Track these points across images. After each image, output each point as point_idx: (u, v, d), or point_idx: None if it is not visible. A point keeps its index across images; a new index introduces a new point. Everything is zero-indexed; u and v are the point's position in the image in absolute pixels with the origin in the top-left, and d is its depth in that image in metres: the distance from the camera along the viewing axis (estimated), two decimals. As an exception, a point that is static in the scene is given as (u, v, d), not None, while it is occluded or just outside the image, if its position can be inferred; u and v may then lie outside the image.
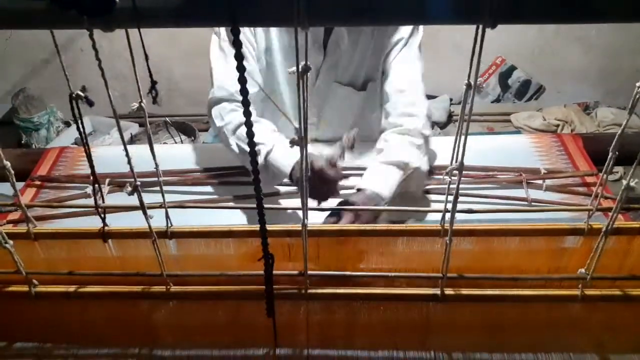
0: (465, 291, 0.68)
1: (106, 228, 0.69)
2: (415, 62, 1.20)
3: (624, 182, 0.61)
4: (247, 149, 0.47)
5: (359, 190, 1.02)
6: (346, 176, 1.07)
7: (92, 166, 0.61)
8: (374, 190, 1.00)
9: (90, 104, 0.53)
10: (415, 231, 0.70)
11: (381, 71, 1.25)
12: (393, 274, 0.69)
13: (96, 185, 0.65)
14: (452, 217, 0.61)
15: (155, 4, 0.39)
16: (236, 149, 1.11)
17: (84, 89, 0.53)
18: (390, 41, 1.20)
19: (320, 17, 0.41)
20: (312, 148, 0.95)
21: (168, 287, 0.68)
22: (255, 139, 0.47)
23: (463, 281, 0.68)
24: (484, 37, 0.45)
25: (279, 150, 1.05)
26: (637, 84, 0.57)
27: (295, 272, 0.65)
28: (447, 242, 0.62)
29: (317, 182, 0.97)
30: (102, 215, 0.68)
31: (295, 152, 0.51)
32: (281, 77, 1.25)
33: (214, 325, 0.76)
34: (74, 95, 0.49)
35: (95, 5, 0.33)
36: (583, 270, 0.67)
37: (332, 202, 1.01)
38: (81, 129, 0.55)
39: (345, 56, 1.24)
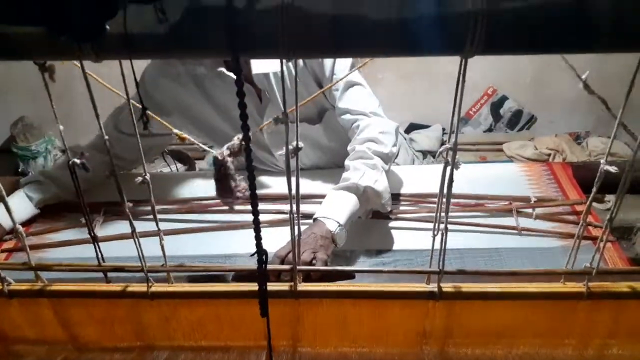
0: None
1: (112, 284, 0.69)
2: (353, 85, 1.22)
3: (605, 205, 0.61)
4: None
5: (314, 220, 1.03)
6: None
7: (90, 227, 0.62)
8: (328, 217, 1.01)
9: (87, 169, 0.56)
10: (406, 293, 0.69)
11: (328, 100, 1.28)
12: (387, 269, 0.70)
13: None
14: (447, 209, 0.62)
15: (145, 34, 0.40)
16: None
17: (81, 155, 0.55)
18: (323, 71, 1.22)
19: (304, 49, 0.43)
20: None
21: (150, 284, 0.68)
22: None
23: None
24: (466, 67, 0.47)
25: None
26: (617, 119, 0.59)
27: (286, 266, 0.65)
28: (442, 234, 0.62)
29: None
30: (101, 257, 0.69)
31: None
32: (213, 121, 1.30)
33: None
34: (70, 163, 0.51)
35: (86, 31, 0.35)
36: (588, 264, 0.66)
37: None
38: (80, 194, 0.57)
39: (288, 96, 1.25)
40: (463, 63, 0.47)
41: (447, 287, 0.67)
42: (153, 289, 0.69)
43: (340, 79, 1.20)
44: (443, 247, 0.62)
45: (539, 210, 1.16)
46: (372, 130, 1.17)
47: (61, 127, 0.52)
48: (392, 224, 1.17)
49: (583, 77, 0.50)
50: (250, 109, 1.26)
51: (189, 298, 0.71)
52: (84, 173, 0.57)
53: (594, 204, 1.30)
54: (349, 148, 1.19)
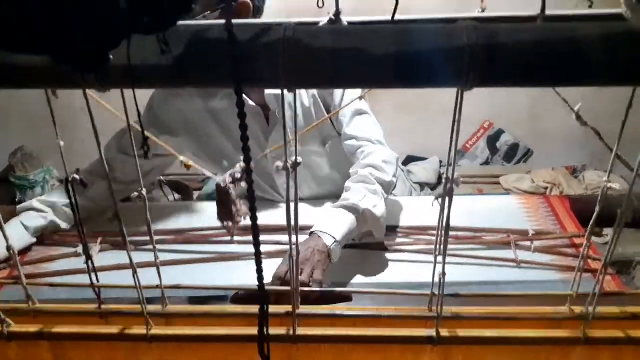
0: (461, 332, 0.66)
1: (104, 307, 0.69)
2: (362, 114, 1.28)
3: (604, 239, 0.61)
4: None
5: (311, 233, 1.06)
6: None
7: (86, 248, 0.62)
8: (325, 232, 1.04)
9: (84, 185, 0.56)
10: (404, 316, 0.69)
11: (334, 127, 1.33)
12: (386, 313, 0.69)
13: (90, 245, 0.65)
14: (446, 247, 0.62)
15: (149, 64, 0.41)
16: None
17: (77, 171, 0.56)
18: (333, 100, 1.28)
19: (305, 79, 0.44)
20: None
21: (149, 327, 0.67)
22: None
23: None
24: (463, 99, 0.48)
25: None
26: (613, 153, 0.60)
27: (283, 311, 0.64)
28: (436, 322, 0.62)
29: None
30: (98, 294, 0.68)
31: None
32: (222, 146, 1.33)
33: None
34: (69, 178, 0.51)
35: (89, 60, 0.35)
36: (584, 309, 0.66)
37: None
38: (76, 210, 0.57)
39: (291, 122, 1.29)
40: (460, 94, 0.47)
41: (445, 332, 0.67)
42: (153, 331, 0.68)
43: (347, 104, 1.25)
44: (441, 292, 0.62)
45: (537, 243, 1.16)
46: (375, 157, 1.21)
47: (61, 143, 0.52)
48: (389, 255, 1.16)
49: (576, 108, 0.51)
50: (256, 131, 1.30)
51: (188, 341, 0.70)
52: (83, 202, 0.57)
53: (593, 238, 1.30)
54: (351, 171, 1.22)
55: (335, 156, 1.36)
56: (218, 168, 1.37)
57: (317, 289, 0.92)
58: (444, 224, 0.57)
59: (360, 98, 1.23)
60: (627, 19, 0.39)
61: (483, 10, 0.50)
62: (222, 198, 0.95)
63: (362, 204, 1.09)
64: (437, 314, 0.64)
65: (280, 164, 0.52)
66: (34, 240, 1.20)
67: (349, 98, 1.26)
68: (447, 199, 0.56)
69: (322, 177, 1.41)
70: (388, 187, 1.18)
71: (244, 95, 0.41)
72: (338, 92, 1.27)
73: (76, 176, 0.52)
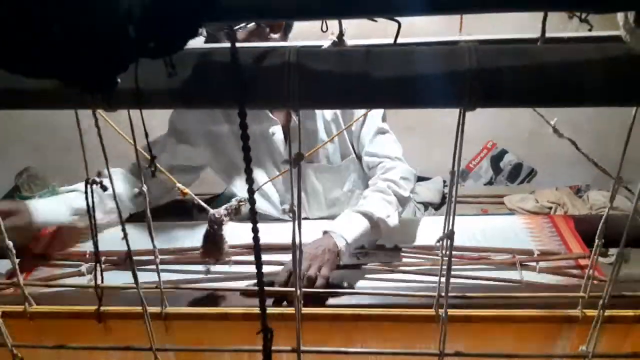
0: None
1: (101, 309, 0.68)
2: (382, 132, 1.34)
3: (610, 259, 0.61)
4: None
5: (324, 232, 1.08)
6: None
7: (95, 242, 0.62)
8: (337, 232, 1.07)
9: (104, 189, 0.56)
10: (410, 316, 0.70)
11: (352, 147, 1.37)
12: (389, 350, 0.68)
13: (93, 264, 0.65)
14: (447, 296, 0.61)
15: (156, 86, 0.42)
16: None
17: (99, 174, 0.56)
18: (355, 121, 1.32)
19: (310, 101, 0.44)
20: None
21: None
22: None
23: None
24: (465, 119, 0.48)
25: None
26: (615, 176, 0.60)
27: (288, 347, 0.64)
28: (443, 316, 0.62)
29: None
30: (100, 298, 0.68)
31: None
32: (238, 160, 1.34)
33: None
34: (89, 180, 0.52)
35: (97, 83, 0.36)
36: (584, 347, 0.66)
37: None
38: (91, 212, 0.57)
39: (311, 140, 1.32)
40: (462, 114, 0.48)
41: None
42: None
43: (356, 119, 1.31)
44: (444, 334, 0.62)
45: (542, 264, 1.15)
46: (395, 173, 1.26)
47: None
48: (393, 276, 1.15)
49: (552, 122, 0.52)
50: (272, 147, 1.31)
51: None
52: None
53: (599, 258, 1.29)
54: (370, 182, 1.27)
55: (347, 176, 1.39)
56: (228, 181, 1.40)
57: (321, 290, 0.93)
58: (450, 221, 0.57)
59: (383, 120, 1.33)
60: (625, 41, 0.40)
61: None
62: (211, 231, 0.95)
63: (377, 212, 1.12)
64: (440, 352, 0.63)
65: (287, 205, 0.53)
66: (72, 219, 1.21)
67: (371, 122, 1.32)
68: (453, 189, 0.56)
69: (330, 198, 1.42)
70: (404, 202, 1.22)
71: (266, 111, 0.42)
72: (359, 115, 1.30)
73: (96, 178, 0.53)
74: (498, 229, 1.33)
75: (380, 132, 1.34)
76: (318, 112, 1.31)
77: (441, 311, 0.60)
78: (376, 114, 1.33)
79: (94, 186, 0.60)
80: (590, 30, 0.50)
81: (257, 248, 0.46)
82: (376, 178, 1.26)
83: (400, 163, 1.30)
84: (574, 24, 0.50)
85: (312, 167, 1.37)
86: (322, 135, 1.32)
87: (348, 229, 1.09)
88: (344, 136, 1.35)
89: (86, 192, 0.53)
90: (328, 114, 1.32)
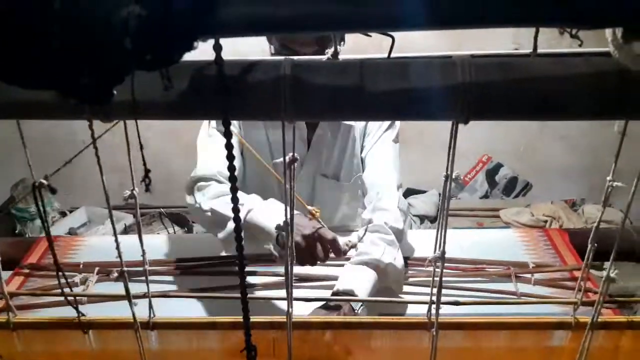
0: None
1: (86, 318, 0.68)
2: (388, 156, 1.31)
3: (605, 273, 0.62)
4: (223, 212, 0.49)
5: (334, 293, 1.04)
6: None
7: (54, 255, 0.62)
8: (349, 289, 1.02)
9: (53, 191, 0.56)
10: (402, 324, 0.70)
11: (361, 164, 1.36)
12: (388, 299, 0.68)
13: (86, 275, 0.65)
14: (438, 307, 0.61)
15: (151, 98, 0.42)
16: (209, 213, 1.12)
17: (46, 177, 0.56)
18: (367, 135, 1.33)
19: (304, 112, 0.45)
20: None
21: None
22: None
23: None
24: (457, 132, 0.49)
25: (261, 210, 1.07)
26: (608, 178, 0.61)
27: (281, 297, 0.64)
28: (434, 333, 0.62)
29: (310, 242, 0.98)
30: (76, 305, 0.67)
31: (280, 212, 0.53)
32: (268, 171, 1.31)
33: None
34: (36, 183, 0.52)
35: (94, 95, 0.36)
36: None
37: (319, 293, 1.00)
38: (42, 216, 0.57)
39: (327, 151, 1.33)
40: (455, 126, 0.49)
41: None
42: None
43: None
44: (434, 347, 0.62)
45: (537, 276, 1.15)
46: (391, 203, 1.21)
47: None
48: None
49: (521, 149, 0.52)
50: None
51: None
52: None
53: (594, 271, 1.29)
54: (364, 216, 1.22)
55: (356, 192, 1.38)
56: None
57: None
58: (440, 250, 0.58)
59: (395, 141, 1.34)
60: (614, 56, 0.41)
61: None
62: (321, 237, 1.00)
63: (384, 258, 1.08)
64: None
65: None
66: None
67: (383, 141, 1.33)
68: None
69: (343, 211, 1.42)
70: (400, 236, 1.17)
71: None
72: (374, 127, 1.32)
73: (43, 181, 0.53)
74: (493, 242, 1.33)
75: (385, 154, 1.32)
76: (353, 128, 1.33)
77: (433, 317, 0.60)
78: (389, 135, 1.33)
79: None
80: (580, 45, 0.51)
81: (241, 257, 0.46)
82: (371, 209, 1.22)
83: (395, 194, 1.25)
84: (567, 40, 0.51)
85: (318, 180, 1.37)
86: (352, 151, 1.33)
87: (359, 284, 1.04)
88: (357, 152, 1.35)
89: (34, 197, 0.53)
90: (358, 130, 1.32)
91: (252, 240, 1.06)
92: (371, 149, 1.32)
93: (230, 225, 1.05)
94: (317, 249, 1.00)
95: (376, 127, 1.33)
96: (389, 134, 1.33)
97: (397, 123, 1.34)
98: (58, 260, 1.24)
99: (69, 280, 1.16)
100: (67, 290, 1.12)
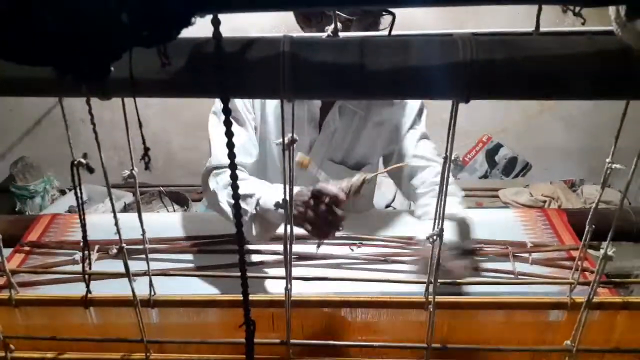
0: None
1: (88, 295, 0.69)
2: (427, 139, 1.39)
3: (602, 251, 0.62)
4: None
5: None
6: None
7: (84, 231, 0.62)
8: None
9: (91, 170, 0.56)
10: (400, 303, 0.70)
11: (380, 156, 1.41)
12: (378, 344, 0.69)
13: (85, 252, 0.65)
14: (435, 286, 0.62)
15: (149, 75, 0.42)
16: (226, 205, 1.13)
17: (85, 156, 0.56)
18: (398, 127, 1.36)
19: (304, 90, 0.45)
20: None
21: (148, 354, 0.67)
22: (247, 190, 0.48)
23: (447, 352, 0.68)
24: (457, 110, 0.49)
25: (270, 195, 1.06)
26: (607, 160, 0.61)
27: (277, 340, 0.65)
28: (431, 309, 0.63)
29: (324, 214, 0.97)
30: (87, 282, 0.68)
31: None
32: (275, 150, 1.30)
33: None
34: (75, 162, 0.51)
35: (90, 71, 0.36)
36: (569, 342, 0.67)
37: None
38: (78, 194, 0.57)
39: (339, 136, 1.33)
40: (455, 105, 0.48)
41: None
42: (153, 357, 0.68)
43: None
44: (431, 325, 0.62)
45: (535, 255, 1.16)
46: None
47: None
48: (386, 266, 1.16)
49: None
50: (303, 136, 1.29)
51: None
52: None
53: (591, 251, 1.30)
54: (419, 190, 1.30)
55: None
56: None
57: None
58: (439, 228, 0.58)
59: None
60: (617, 35, 0.40)
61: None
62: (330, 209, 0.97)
63: (457, 213, 1.14)
64: (427, 344, 0.64)
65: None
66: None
67: (417, 125, 1.39)
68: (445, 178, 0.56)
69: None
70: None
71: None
72: (410, 113, 1.37)
73: (82, 160, 0.52)
74: (492, 222, 1.34)
75: (424, 136, 1.38)
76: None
77: (430, 297, 0.61)
78: (420, 123, 1.39)
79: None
80: (583, 24, 0.51)
81: (240, 235, 0.46)
82: (429, 185, 1.30)
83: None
84: (570, 18, 0.50)
85: (326, 164, 1.36)
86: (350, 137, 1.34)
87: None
88: (371, 143, 1.37)
89: (72, 175, 0.53)
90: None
91: (273, 225, 1.08)
92: (409, 137, 1.36)
93: (246, 215, 1.06)
94: (321, 209, 0.97)
95: (407, 118, 1.36)
96: (420, 123, 1.39)
97: (424, 112, 1.41)
98: (58, 239, 1.25)
99: (69, 258, 1.18)
100: (69, 267, 1.14)
